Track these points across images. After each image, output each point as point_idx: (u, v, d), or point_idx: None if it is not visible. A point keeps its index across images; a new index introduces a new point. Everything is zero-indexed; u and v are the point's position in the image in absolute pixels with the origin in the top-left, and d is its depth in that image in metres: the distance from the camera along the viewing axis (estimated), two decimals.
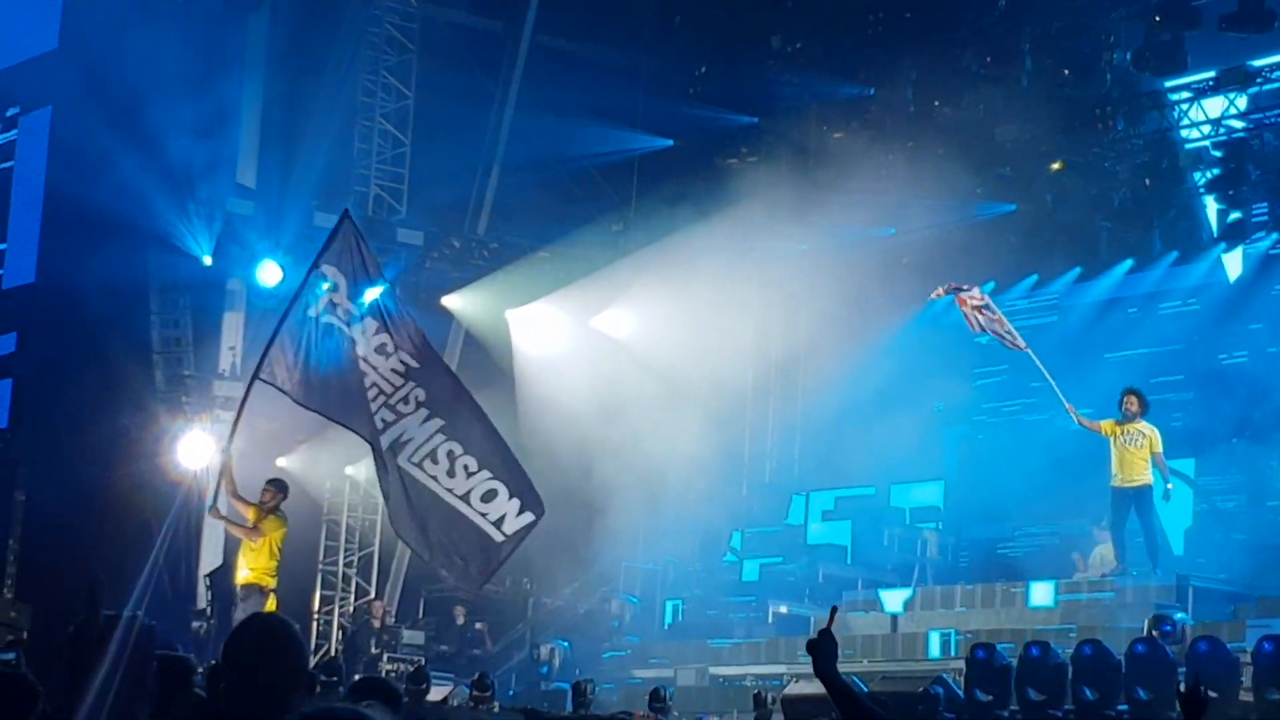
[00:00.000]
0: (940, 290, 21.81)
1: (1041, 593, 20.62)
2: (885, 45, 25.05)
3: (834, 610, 6.44)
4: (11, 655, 16.32)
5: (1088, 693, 15.58)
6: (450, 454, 14.44)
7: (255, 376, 14.87)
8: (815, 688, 17.04)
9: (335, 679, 19.78)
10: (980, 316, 21.18)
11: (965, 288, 21.48)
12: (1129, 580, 19.69)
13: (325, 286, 14.86)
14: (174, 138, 24.64)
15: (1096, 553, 21.00)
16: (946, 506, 24.78)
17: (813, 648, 5.71)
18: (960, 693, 16.33)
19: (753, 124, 25.95)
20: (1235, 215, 23.91)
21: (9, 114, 28.40)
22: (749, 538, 25.67)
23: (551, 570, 25.34)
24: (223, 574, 23.10)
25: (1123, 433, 19.91)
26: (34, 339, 26.00)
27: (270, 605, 17.54)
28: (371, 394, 14.54)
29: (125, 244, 23.97)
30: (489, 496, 14.42)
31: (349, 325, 14.79)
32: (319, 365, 14.73)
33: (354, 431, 14.89)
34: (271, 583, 17.79)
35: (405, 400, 14.54)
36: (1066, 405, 20.31)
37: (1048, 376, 20.41)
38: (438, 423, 14.48)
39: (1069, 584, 20.62)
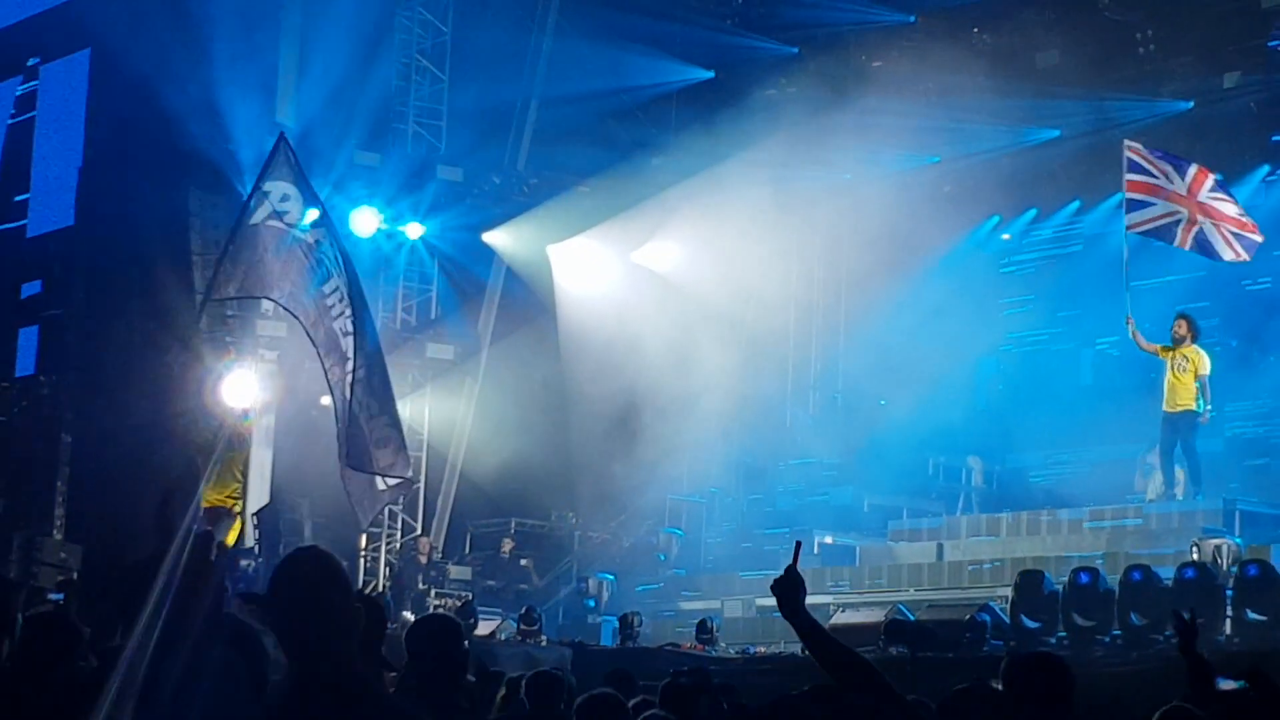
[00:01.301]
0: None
1: (1085, 519, 20.68)
2: None
3: (798, 545, 6.24)
4: (60, 596, 16.50)
5: (1135, 618, 15.60)
6: (365, 388, 14.65)
7: (205, 299, 15.20)
8: (862, 617, 17.18)
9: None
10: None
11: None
12: (1174, 505, 19.70)
13: (272, 200, 15.20)
14: (214, 79, 24.67)
15: (1156, 478, 21.00)
16: (987, 435, 24.75)
17: (776, 587, 5.46)
18: (1007, 619, 16.37)
19: (792, 54, 25.77)
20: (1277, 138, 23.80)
21: (30, 63, 28.46)
22: (790, 470, 25.69)
23: (596, 504, 25.47)
24: (270, 513, 23.29)
25: (1172, 357, 19.89)
26: (75, 281, 26.12)
27: (236, 528, 17.94)
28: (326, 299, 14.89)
29: (167, 184, 24.04)
30: (382, 443, 14.60)
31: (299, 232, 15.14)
32: (276, 261, 14.99)
33: (307, 332, 15.04)
34: (238, 506, 18.13)
35: (343, 325, 14.81)
36: (1129, 322, 20.22)
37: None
38: (361, 357, 14.69)
39: (1115, 510, 20.65)
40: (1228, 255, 19.99)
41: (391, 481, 15.23)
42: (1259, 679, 7.79)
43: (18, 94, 28.72)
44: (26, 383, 26.64)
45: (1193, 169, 20.45)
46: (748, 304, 25.23)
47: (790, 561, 5.54)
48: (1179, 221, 20.08)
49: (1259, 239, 19.93)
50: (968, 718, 6.09)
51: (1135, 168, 20.41)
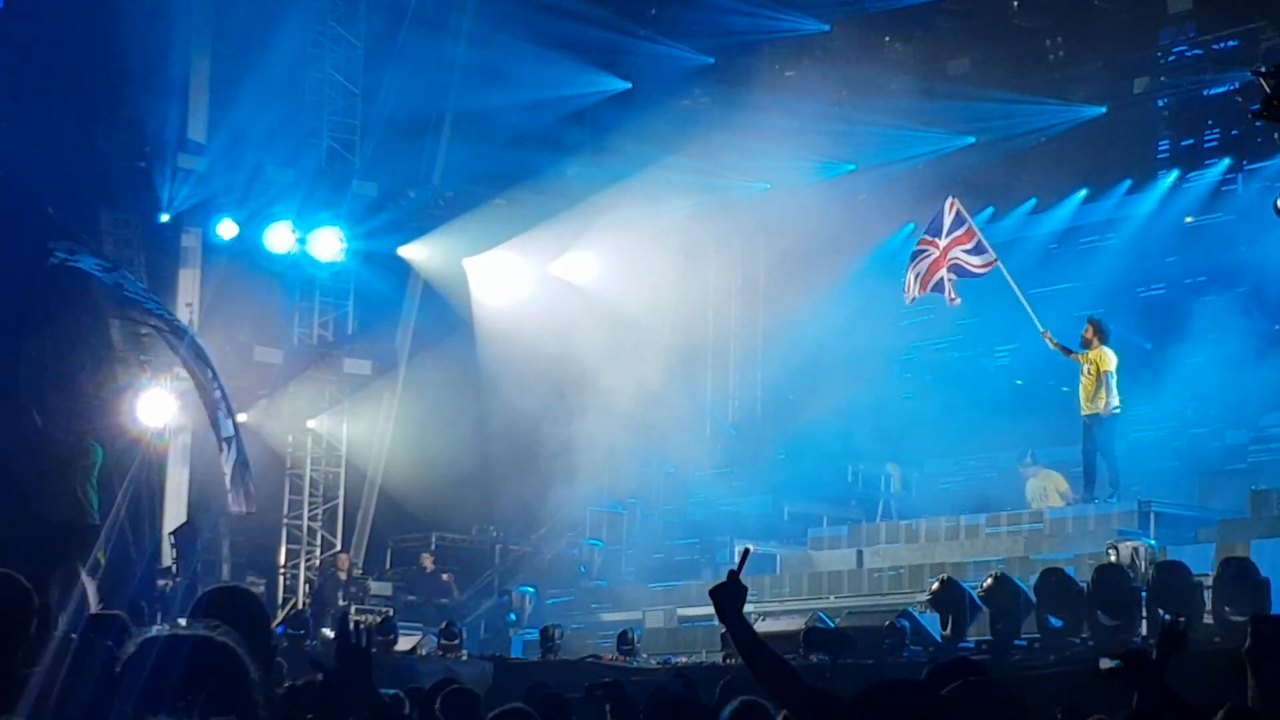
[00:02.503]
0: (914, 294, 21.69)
1: (1003, 524, 20.82)
2: None
3: (746, 552, 6.24)
4: None
5: (1052, 620, 15.69)
6: None
7: None
8: (782, 625, 17.20)
9: (303, 632, 19.86)
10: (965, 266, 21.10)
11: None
12: (1091, 507, 19.87)
13: None
14: (124, 96, 24.49)
15: (1030, 486, 21.23)
16: (902, 443, 24.85)
17: (714, 594, 5.40)
18: (926, 625, 16.44)
19: (708, 63, 25.83)
20: (1188, 141, 24.14)
21: None
22: (710, 478, 25.73)
23: (518, 517, 25.43)
24: (188, 532, 23.10)
25: (1084, 361, 20.07)
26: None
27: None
28: None
29: (79, 203, 23.81)
30: None
31: None
32: None
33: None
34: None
35: None
36: (1041, 330, 20.41)
37: (1024, 303, 20.53)
38: None
39: (1032, 514, 20.79)
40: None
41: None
42: (1135, 659, 7.97)
43: None
44: None
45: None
46: (666, 314, 25.28)
47: (736, 563, 5.52)
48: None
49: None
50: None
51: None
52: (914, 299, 21.12)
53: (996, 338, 24.49)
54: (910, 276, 20.99)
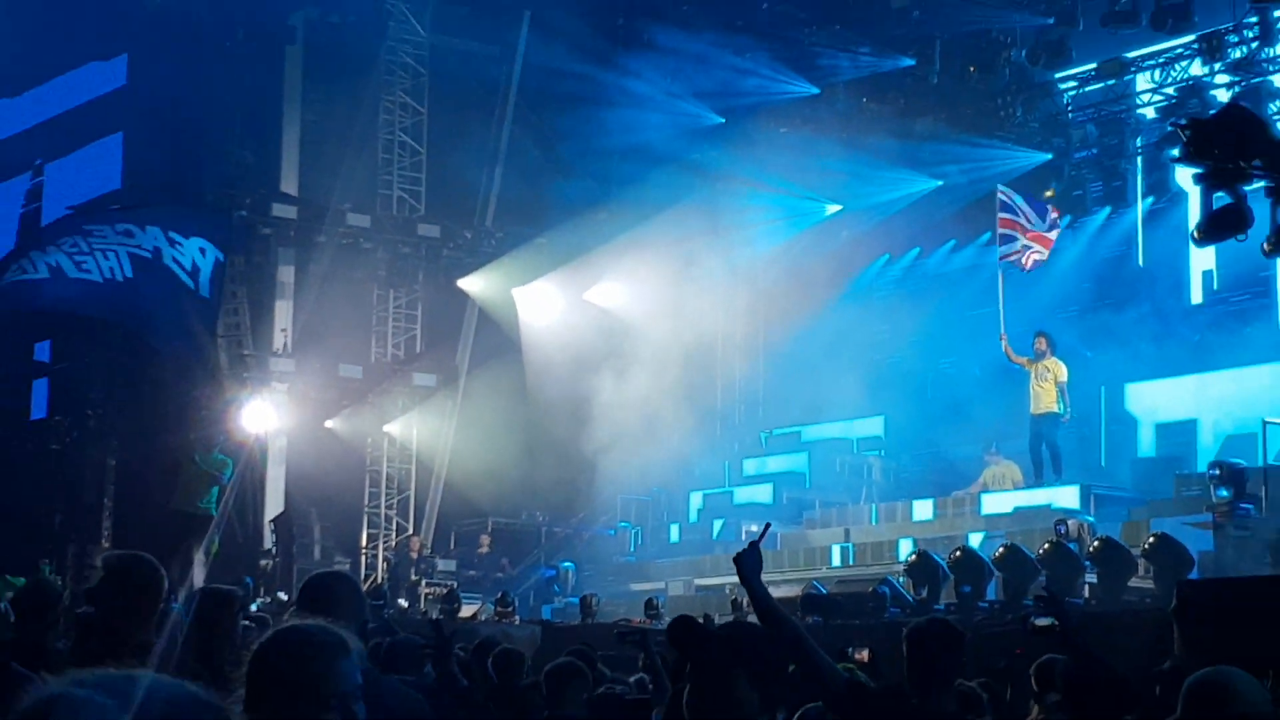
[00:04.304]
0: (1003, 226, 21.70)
1: (966, 504, 20.81)
2: (826, 53, 24.98)
3: (767, 526, 6.31)
4: None
5: (1009, 586, 15.69)
6: None
7: None
8: (782, 592, 17.14)
9: (381, 603, 19.90)
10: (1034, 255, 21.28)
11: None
12: (1040, 491, 19.86)
13: None
14: (228, 154, 24.64)
15: (986, 473, 21.24)
16: (881, 438, 24.82)
17: (737, 560, 5.42)
18: (903, 591, 16.44)
19: (719, 123, 25.86)
20: (1116, 183, 24.20)
21: (36, 162, 28.44)
22: (720, 470, 25.71)
23: (559, 504, 25.46)
24: (284, 519, 23.21)
25: (1035, 369, 20.06)
26: (118, 329, 25.99)
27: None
28: None
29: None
30: None
31: None
32: None
33: None
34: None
35: None
36: (1003, 338, 20.46)
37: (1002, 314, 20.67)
38: None
39: (993, 497, 20.77)
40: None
41: None
42: (1050, 600, 8.01)
43: (27, 188, 28.66)
44: (76, 416, 26.42)
45: (1051, 212, 21.06)
46: (681, 333, 25.25)
47: (757, 537, 5.54)
48: (1028, 249, 20.74)
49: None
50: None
51: (1005, 208, 20.85)
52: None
53: (947, 347, 24.45)
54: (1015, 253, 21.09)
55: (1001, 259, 21.01)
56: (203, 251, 14.55)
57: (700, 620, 9.83)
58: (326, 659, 3.28)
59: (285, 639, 3.35)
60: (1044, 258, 21.27)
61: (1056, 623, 7.39)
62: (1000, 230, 20.98)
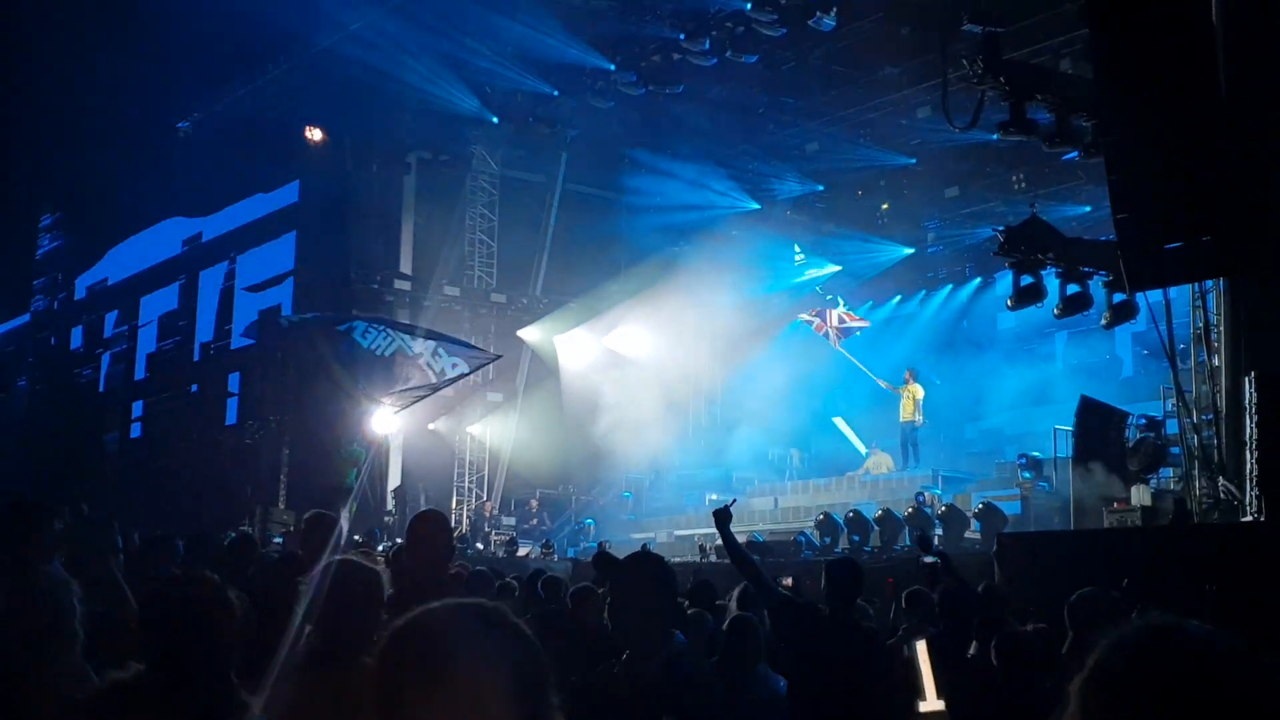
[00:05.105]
0: (807, 316, 22.03)
1: (857, 480, 20.87)
2: (766, 180, 24.60)
3: (733, 500, 6.50)
4: (279, 539, 16.28)
5: (884, 537, 15.77)
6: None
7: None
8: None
9: (464, 545, 19.86)
10: (837, 332, 21.48)
11: (824, 313, 21.76)
12: (909, 473, 19.96)
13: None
14: (365, 245, 24.74)
15: (869, 461, 21.35)
16: (799, 438, 24.85)
17: (715, 515, 5.67)
18: (814, 539, 16.52)
19: (693, 226, 25.54)
20: (958, 268, 24.22)
21: (230, 254, 28.26)
22: (690, 458, 25.68)
23: (584, 480, 25.47)
24: (401, 490, 23.19)
25: (904, 392, 20.19)
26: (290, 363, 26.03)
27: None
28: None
29: (336, 312, 24.05)
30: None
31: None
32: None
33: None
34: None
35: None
36: (879, 380, 20.59)
37: (862, 366, 20.69)
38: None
39: (874, 478, 20.84)
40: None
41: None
42: (927, 544, 8.07)
43: (225, 270, 28.70)
44: (261, 421, 26.43)
45: (848, 320, 22.27)
46: (666, 366, 25.31)
47: (728, 504, 5.84)
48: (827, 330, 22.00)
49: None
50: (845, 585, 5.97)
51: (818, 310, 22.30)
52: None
53: (840, 378, 24.48)
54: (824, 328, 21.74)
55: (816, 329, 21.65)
56: (454, 365, 14.32)
57: (611, 552, 9.85)
58: None
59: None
60: (842, 337, 21.79)
61: (939, 561, 7.50)
62: (811, 317, 21.62)
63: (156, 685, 2.87)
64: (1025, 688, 5.33)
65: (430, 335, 14.26)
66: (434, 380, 13.87)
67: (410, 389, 13.89)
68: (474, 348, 14.69)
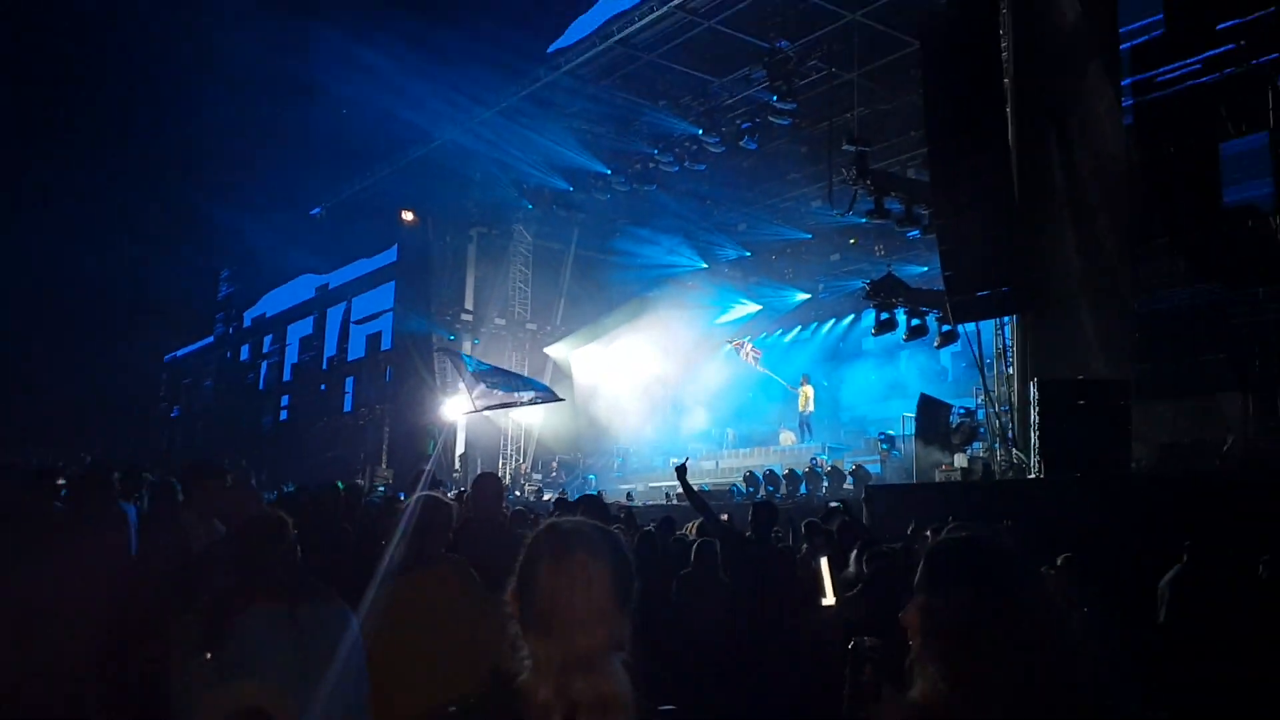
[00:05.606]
0: (730, 343, 21.95)
1: (771, 449, 20.77)
2: (715, 242, 24.38)
3: (687, 459, 6.45)
4: (383, 488, 16.07)
5: (801, 489, 15.65)
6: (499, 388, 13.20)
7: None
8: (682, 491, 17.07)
9: (508, 493, 19.53)
10: (752, 357, 21.41)
11: (743, 342, 21.68)
12: (805, 445, 19.87)
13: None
14: (442, 289, 24.53)
15: (781, 436, 21.23)
16: (730, 421, 24.64)
17: (677, 470, 5.69)
18: (742, 489, 16.44)
19: (664, 278, 25.39)
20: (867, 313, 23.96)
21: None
22: (658, 436, 25.31)
23: (589, 448, 25.17)
24: (465, 455, 22.92)
25: (800, 391, 20.15)
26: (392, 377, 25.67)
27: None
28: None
29: (424, 337, 23.89)
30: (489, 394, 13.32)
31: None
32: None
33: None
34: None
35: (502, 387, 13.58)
36: (788, 385, 20.51)
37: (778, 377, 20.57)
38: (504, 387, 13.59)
39: (785, 449, 20.73)
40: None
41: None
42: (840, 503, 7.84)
43: (344, 308, 28.42)
44: (369, 408, 26.12)
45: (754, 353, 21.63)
46: (646, 372, 25.12)
47: (684, 461, 5.89)
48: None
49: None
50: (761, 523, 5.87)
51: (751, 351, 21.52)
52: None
53: (760, 384, 24.17)
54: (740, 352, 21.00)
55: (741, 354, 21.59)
56: (530, 397, 13.68)
57: (567, 497, 9.44)
58: None
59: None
60: (757, 356, 21.65)
61: (840, 505, 7.48)
62: (736, 345, 21.50)
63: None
64: (887, 588, 5.35)
65: (528, 385, 13.92)
66: (512, 402, 13.67)
67: (498, 405, 13.77)
68: (549, 390, 14.46)
